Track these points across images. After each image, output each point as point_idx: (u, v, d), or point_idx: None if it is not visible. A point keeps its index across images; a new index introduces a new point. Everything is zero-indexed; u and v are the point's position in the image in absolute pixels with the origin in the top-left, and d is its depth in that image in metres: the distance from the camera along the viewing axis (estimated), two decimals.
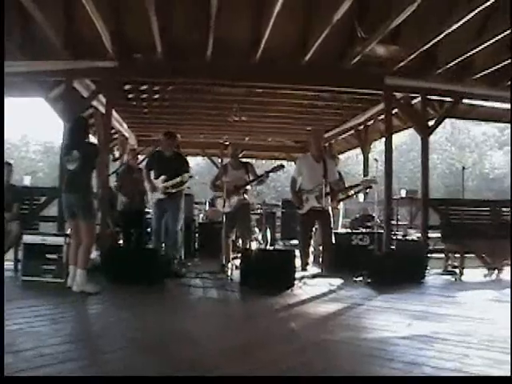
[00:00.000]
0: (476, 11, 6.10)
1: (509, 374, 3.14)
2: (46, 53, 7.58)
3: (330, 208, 7.72)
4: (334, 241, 7.67)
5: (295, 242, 9.82)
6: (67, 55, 7.60)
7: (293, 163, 14.61)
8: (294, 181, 7.93)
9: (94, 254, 6.81)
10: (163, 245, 7.62)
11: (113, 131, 11.37)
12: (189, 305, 5.61)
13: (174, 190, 7.43)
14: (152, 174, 7.59)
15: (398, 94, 8.87)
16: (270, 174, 7.71)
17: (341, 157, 16.15)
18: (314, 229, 7.77)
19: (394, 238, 8.90)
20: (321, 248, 7.90)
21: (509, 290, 6.52)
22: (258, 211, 10.66)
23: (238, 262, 7.26)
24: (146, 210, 9.05)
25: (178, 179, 7.37)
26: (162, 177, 7.46)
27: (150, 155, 8.22)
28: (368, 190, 8.52)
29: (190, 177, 7.59)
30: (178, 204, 7.55)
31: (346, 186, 8.63)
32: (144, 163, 8.10)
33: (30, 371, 3.00)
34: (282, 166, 7.75)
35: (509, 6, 6.19)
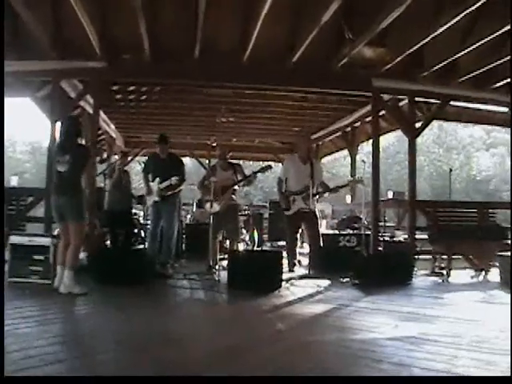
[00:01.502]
0: (462, 14, 6.16)
1: (504, 374, 3.17)
2: (33, 53, 7.53)
3: (316, 209, 7.78)
4: (321, 242, 7.71)
5: (282, 243, 9.83)
6: (55, 55, 7.56)
7: (280, 164, 14.63)
8: (280, 182, 7.98)
9: (82, 255, 6.78)
10: (157, 248, 7.62)
11: (100, 132, 11.33)
12: (176, 306, 5.61)
13: (169, 193, 7.47)
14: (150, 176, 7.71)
15: (386, 96, 8.91)
16: (258, 175, 7.73)
17: (328, 158, 16.28)
18: (300, 230, 7.83)
19: (382, 239, 8.94)
20: (308, 249, 7.94)
21: (496, 291, 6.60)
22: (246, 212, 10.67)
23: (225, 263, 7.26)
24: (133, 210, 9.03)
25: (168, 182, 7.41)
26: (157, 179, 7.54)
27: (146, 159, 8.22)
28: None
29: (183, 180, 7.62)
30: (173, 207, 7.60)
31: (333, 186, 8.64)
32: (142, 167, 8.13)
33: (19, 373, 2.99)
34: (270, 167, 7.78)
35: (494, 10, 6.26)
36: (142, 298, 5.79)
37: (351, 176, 12.45)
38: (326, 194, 8.02)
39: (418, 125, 9.08)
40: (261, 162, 16.61)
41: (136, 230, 9.67)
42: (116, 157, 9.53)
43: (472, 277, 7.83)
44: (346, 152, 14.04)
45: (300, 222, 7.76)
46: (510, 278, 6.79)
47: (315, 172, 7.68)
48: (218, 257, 7.73)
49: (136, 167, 15.66)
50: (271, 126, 13.27)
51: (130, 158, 13.74)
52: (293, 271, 7.61)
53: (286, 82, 8.62)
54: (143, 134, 15.04)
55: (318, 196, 7.90)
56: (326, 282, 6.93)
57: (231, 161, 8.14)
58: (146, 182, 7.78)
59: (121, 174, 8.72)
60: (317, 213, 7.83)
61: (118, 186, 8.63)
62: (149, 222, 7.87)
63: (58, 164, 5.85)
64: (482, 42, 6.92)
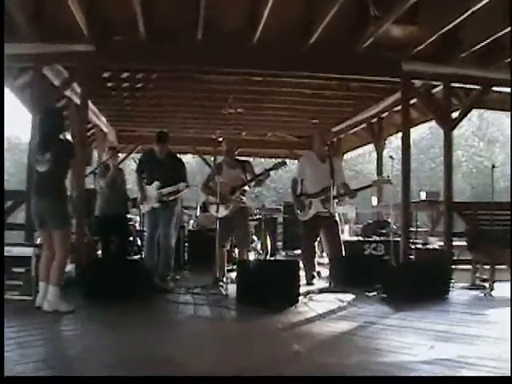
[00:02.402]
0: None
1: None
2: (9, 34, 7.51)
3: (337, 213, 7.75)
4: (343, 251, 7.69)
5: (299, 251, 9.82)
6: (35, 37, 7.55)
7: (296, 161, 14.62)
8: (295, 182, 7.98)
9: (69, 267, 6.79)
10: (155, 260, 7.64)
11: (89, 126, 11.37)
12: (177, 324, 5.60)
13: (170, 198, 7.51)
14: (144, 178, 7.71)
15: (417, 82, 8.88)
16: (271, 173, 7.71)
17: (351, 154, 16.26)
18: (319, 237, 7.81)
19: (413, 246, 8.90)
20: (328, 259, 7.93)
21: None
22: (257, 216, 10.66)
23: (233, 275, 7.26)
24: (129, 215, 9.05)
25: (174, 188, 7.45)
26: (156, 183, 7.58)
27: (140, 157, 8.23)
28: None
29: (187, 186, 7.66)
30: (172, 214, 7.65)
31: (357, 187, 8.60)
32: (136, 166, 8.14)
33: None
34: (284, 163, 7.73)
35: None
36: (139, 315, 5.78)
37: (377, 175, 12.41)
38: (348, 197, 8.00)
39: (454, 114, 9.04)
40: (273, 159, 16.58)
41: (131, 238, 9.69)
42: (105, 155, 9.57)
43: None
44: (371, 147, 14.03)
45: (318, 227, 7.75)
46: (511, 281, 6.88)
47: (336, 171, 7.65)
48: (226, 268, 7.75)
49: (131, 165, 15.73)
50: (285, 118, 13.29)
51: (123, 155, 13.83)
52: (311, 284, 7.60)
53: (302, 67, 8.60)
54: (139, 128, 15.10)
55: (338, 199, 7.88)
56: (349, 297, 6.90)
57: (240, 158, 8.14)
58: (140, 184, 7.79)
59: (115, 172, 8.72)
60: (337, 217, 7.81)
61: (112, 186, 8.64)
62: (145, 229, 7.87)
63: (37, 163, 5.83)
64: None
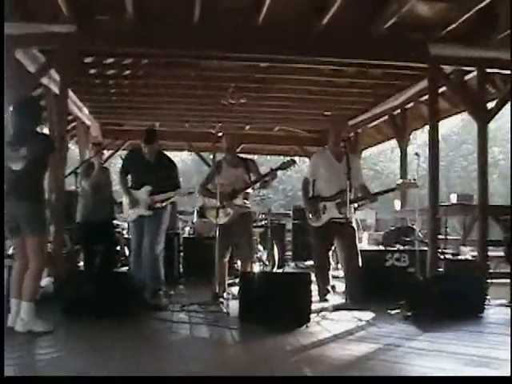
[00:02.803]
0: None
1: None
2: None
3: (354, 219, 7.72)
4: (360, 262, 7.67)
5: (311, 263, 9.82)
6: (6, 16, 7.53)
7: (307, 160, 14.62)
8: (306, 183, 7.97)
9: (46, 281, 6.79)
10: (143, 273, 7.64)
11: (69, 118, 11.39)
12: (171, 347, 5.60)
13: (163, 204, 7.53)
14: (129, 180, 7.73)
15: (447, 68, 8.85)
16: (278, 173, 7.71)
17: (371, 151, 16.24)
18: (333, 246, 7.81)
19: (442, 257, 8.88)
20: (343, 272, 7.92)
21: None
22: (263, 223, 10.66)
23: (236, 289, 7.25)
24: (115, 221, 9.06)
25: (170, 194, 7.48)
26: (147, 188, 7.56)
27: (125, 156, 8.22)
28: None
29: (190, 193, 7.70)
30: (160, 222, 7.66)
31: (378, 190, 8.59)
32: (119, 166, 8.15)
33: None
34: (293, 162, 7.72)
35: None
36: (127, 336, 5.79)
37: (401, 175, 12.41)
38: (367, 202, 8.00)
39: (490, 105, 9.02)
40: (281, 157, 16.60)
41: (118, 248, 9.70)
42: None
43: None
44: (393, 143, 14.01)
45: (332, 235, 7.74)
46: (510, 284, 6.96)
47: (353, 171, 7.60)
48: (227, 282, 7.76)
49: (118, 164, 15.74)
50: (295, 110, 13.31)
51: (109, 153, 13.85)
52: (325, 300, 7.59)
53: (314, 51, 8.61)
54: (126, 121, 15.13)
55: (356, 203, 7.87)
56: (368, 315, 6.89)
57: (242, 155, 8.14)
58: (125, 188, 7.79)
59: (100, 172, 8.71)
60: (354, 224, 7.78)
61: (96, 188, 8.62)
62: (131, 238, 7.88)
63: (10, 161, 5.82)
64: None
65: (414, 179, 8.00)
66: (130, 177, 7.92)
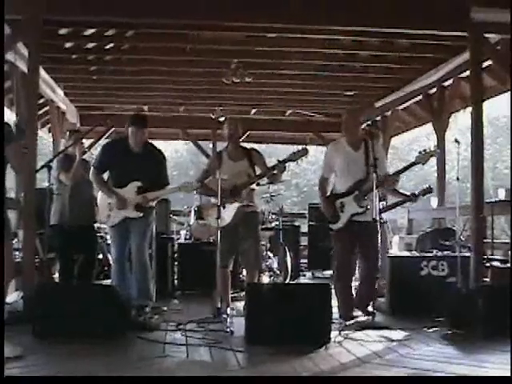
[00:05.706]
0: None
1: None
2: None
3: (378, 218, 7.56)
4: (378, 267, 7.57)
5: (330, 272, 9.81)
6: None
7: (324, 148, 14.58)
8: (324, 179, 7.93)
9: (13, 296, 6.81)
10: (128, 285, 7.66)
11: (41, 101, 11.40)
12: (164, 372, 5.56)
13: (153, 203, 7.58)
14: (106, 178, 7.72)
15: (493, 37, 8.81)
16: (291, 165, 7.69)
17: (403, 137, 16.14)
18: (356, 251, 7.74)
19: (488, 264, 8.86)
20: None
21: None
22: (272, 225, 10.66)
23: (241, 304, 7.25)
24: (96, 224, 9.06)
25: (171, 190, 7.52)
26: (136, 184, 7.53)
27: (103, 147, 8.16)
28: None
29: (195, 188, 7.74)
30: (147, 224, 7.69)
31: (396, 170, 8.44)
32: (94, 160, 8.12)
33: None
34: (305, 152, 7.64)
35: None
36: (110, 360, 5.74)
37: (437, 164, 12.38)
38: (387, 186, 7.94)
39: None
40: (293, 146, 16.65)
41: (101, 256, 9.71)
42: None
43: None
44: (429, 127, 13.97)
45: (355, 238, 7.65)
46: (510, 284, 7.11)
47: (374, 158, 7.46)
48: (230, 295, 7.76)
49: None
50: (310, 90, 13.27)
51: (89, 143, 13.82)
52: (350, 317, 7.55)
53: (333, 19, 8.57)
54: (109, 105, 15.12)
55: (378, 190, 7.65)
56: (400, 334, 6.90)
57: (246, 145, 8.13)
58: (105, 186, 7.81)
59: (80, 166, 8.67)
60: (378, 224, 7.54)
61: (75, 185, 8.58)
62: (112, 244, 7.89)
63: None
64: None
65: (435, 146, 7.95)
66: (108, 172, 7.89)
